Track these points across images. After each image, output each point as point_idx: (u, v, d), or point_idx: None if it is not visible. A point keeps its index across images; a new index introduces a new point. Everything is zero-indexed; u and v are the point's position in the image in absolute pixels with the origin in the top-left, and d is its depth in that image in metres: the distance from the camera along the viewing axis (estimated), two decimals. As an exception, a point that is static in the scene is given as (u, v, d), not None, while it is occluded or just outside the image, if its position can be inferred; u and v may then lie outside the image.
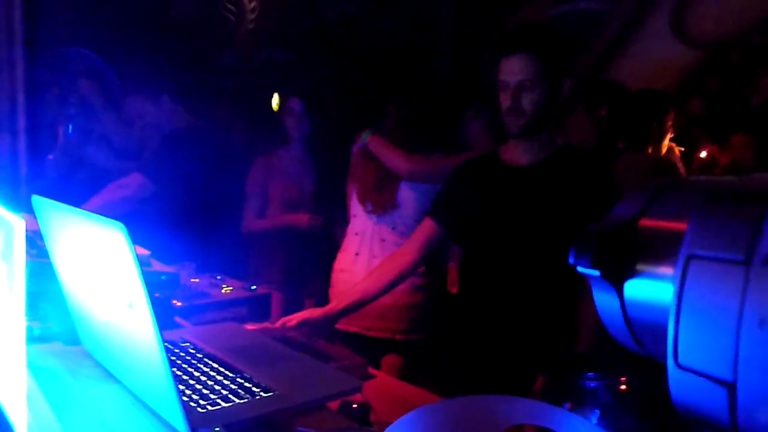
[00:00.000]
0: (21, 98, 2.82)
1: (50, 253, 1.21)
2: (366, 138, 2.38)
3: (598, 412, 1.03)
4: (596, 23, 3.73)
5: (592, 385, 1.06)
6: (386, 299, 2.23)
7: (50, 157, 2.87)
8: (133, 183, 2.45)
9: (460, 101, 2.96)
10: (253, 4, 4.00)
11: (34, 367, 1.18)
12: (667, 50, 3.38)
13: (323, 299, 2.50)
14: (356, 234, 2.42)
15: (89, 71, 2.89)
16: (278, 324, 1.58)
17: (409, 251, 1.83)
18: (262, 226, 2.86)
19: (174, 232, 2.12)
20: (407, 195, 2.35)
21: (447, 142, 2.55)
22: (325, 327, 1.72)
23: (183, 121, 2.59)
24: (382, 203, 2.36)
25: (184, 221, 2.35)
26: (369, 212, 2.38)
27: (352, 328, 2.32)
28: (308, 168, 2.91)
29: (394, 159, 2.29)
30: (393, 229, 2.34)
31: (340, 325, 2.32)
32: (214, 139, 2.65)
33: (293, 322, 1.61)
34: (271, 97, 3.06)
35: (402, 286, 2.20)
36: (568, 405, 1.07)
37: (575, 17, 3.83)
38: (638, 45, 3.55)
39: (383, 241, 2.36)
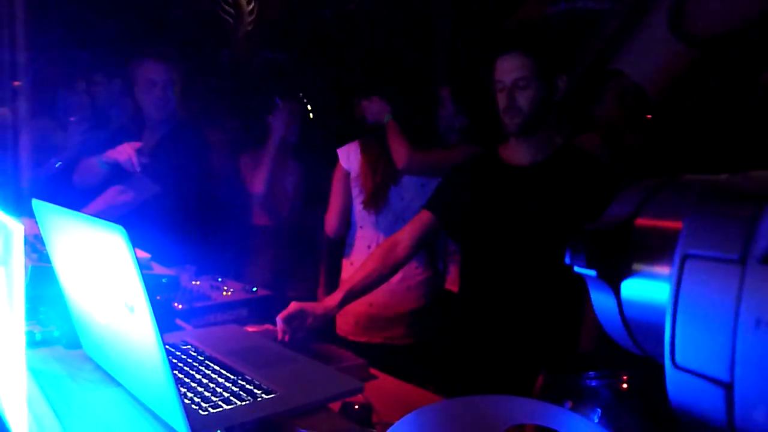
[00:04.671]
0: (23, 102, 2.83)
1: (51, 257, 1.21)
2: (387, 119, 2.38)
3: (599, 411, 1.03)
4: (594, 22, 3.73)
5: (593, 384, 1.06)
6: (405, 305, 2.31)
7: (56, 163, 2.87)
8: (134, 185, 2.44)
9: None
10: (251, 6, 4.00)
11: (35, 371, 1.18)
12: (665, 48, 3.37)
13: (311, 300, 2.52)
14: (368, 248, 2.42)
15: (90, 74, 2.89)
16: (281, 336, 1.55)
17: (404, 241, 1.81)
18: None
19: (174, 234, 2.12)
20: (412, 209, 2.36)
21: (443, 138, 2.56)
22: (323, 324, 1.71)
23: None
24: (375, 197, 2.38)
25: (184, 224, 2.35)
26: (368, 213, 2.39)
27: (376, 340, 2.34)
28: (292, 168, 2.89)
29: (400, 147, 2.29)
30: None
31: (361, 338, 2.33)
32: (211, 138, 2.64)
33: (307, 326, 1.59)
34: (269, 97, 3.05)
35: (418, 292, 2.34)
36: (569, 404, 1.06)
37: (573, 16, 3.83)
38: (636, 43, 3.55)
39: None
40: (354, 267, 2.42)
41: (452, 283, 2.55)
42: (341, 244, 2.57)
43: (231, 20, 3.96)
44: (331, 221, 2.52)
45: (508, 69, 1.65)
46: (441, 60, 4.32)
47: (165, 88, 2.47)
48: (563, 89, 1.66)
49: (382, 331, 2.34)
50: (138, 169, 2.30)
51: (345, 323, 2.37)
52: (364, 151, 2.44)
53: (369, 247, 2.41)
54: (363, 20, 4.20)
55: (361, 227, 2.45)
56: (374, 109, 2.44)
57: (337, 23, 4.18)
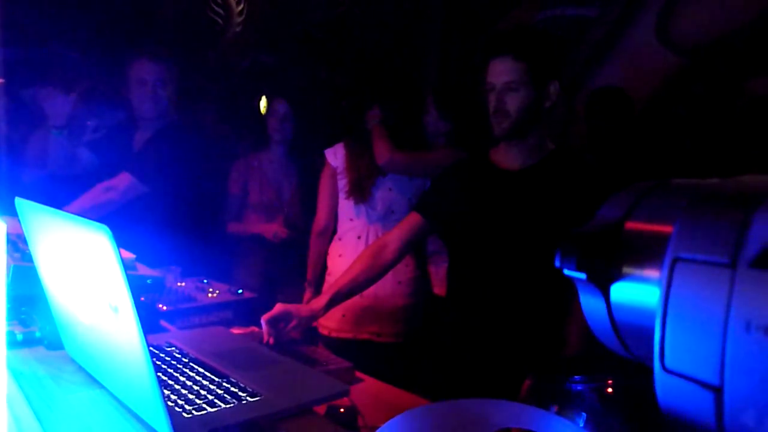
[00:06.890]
0: (2, 100, 2.79)
1: (34, 257, 1.19)
2: (374, 123, 2.42)
3: (584, 415, 1.03)
4: (583, 29, 3.76)
5: (579, 388, 1.06)
6: (396, 300, 2.30)
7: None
8: (120, 184, 2.42)
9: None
10: (240, 7, 3.98)
11: (16, 372, 1.16)
12: (652, 56, 3.41)
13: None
14: (358, 238, 2.43)
15: (71, 72, 2.86)
16: (266, 339, 1.53)
17: (392, 243, 1.81)
18: (235, 230, 2.91)
19: (160, 235, 2.10)
20: (400, 200, 2.38)
21: (430, 143, 2.57)
22: (308, 325, 1.70)
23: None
24: (359, 187, 2.41)
25: (170, 224, 2.33)
26: (355, 203, 2.42)
27: (363, 335, 2.33)
28: (288, 172, 2.93)
29: (382, 146, 2.34)
30: None
31: (347, 334, 2.32)
32: (200, 139, 2.64)
33: (291, 328, 1.58)
34: (257, 99, 3.06)
35: (409, 288, 2.35)
36: (554, 408, 1.07)
37: (562, 23, 3.86)
38: (623, 50, 3.58)
39: None
40: (343, 259, 2.42)
41: (437, 285, 2.56)
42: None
43: (220, 21, 3.94)
44: (321, 218, 2.56)
45: (499, 72, 1.65)
46: (430, 65, 4.33)
47: (155, 87, 2.46)
48: (554, 95, 1.66)
49: (370, 325, 2.33)
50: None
51: (329, 318, 2.34)
52: (349, 147, 2.48)
53: (359, 237, 2.42)
54: (353, 23, 4.20)
55: (350, 219, 2.46)
56: (373, 116, 2.48)
57: (327, 26, 4.18)
